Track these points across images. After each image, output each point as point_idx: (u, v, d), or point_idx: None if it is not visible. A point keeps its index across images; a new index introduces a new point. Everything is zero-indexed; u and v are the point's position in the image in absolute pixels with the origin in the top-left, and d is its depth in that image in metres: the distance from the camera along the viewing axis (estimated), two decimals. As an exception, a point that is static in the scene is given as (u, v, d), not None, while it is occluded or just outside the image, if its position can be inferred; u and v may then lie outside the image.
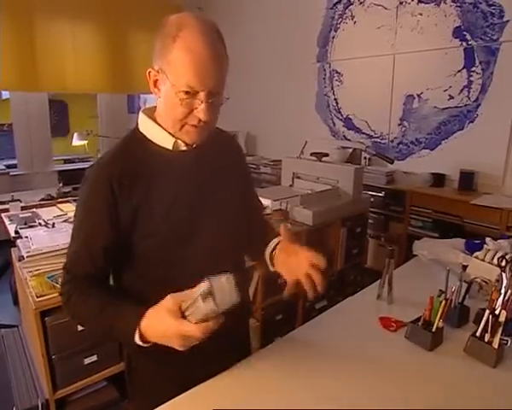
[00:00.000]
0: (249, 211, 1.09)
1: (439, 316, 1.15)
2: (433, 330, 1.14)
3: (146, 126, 0.92)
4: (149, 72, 0.86)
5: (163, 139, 0.90)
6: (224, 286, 0.72)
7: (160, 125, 0.90)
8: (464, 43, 2.78)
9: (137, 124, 0.94)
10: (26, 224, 2.17)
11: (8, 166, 4.42)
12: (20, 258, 1.67)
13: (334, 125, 3.74)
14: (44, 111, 4.45)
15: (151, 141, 0.91)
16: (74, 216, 0.92)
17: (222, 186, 0.97)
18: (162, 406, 0.89)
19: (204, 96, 0.81)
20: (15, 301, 2.89)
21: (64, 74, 4.10)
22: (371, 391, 0.97)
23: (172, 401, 0.90)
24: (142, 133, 0.92)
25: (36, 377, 1.65)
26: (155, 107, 0.92)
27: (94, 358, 1.56)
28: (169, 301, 0.76)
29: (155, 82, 0.86)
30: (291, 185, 2.62)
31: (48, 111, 4.49)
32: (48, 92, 4.47)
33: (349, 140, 3.57)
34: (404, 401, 0.95)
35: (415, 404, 0.94)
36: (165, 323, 0.75)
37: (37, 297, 1.45)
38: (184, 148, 0.91)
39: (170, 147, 0.90)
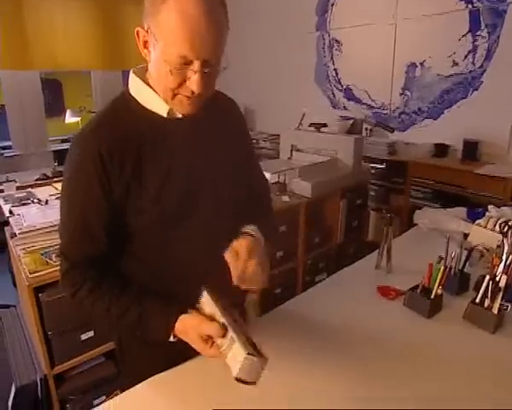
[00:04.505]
0: (249, 183, 1.02)
1: (437, 283, 1.13)
2: (432, 297, 1.13)
3: (137, 89, 0.84)
4: (138, 31, 0.77)
5: (156, 105, 0.83)
6: (252, 366, 0.70)
7: (152, 88, 0.82)
8: (470, 6, 2.69)
9: (128, 86, 0.86)
10: (20, 202, 2.15)
11: (3, 148, 4.38)
12: (13, 235, 1.66)
13: (334, 96, 3.66)
14: (37, 90, 4.37)
15: (143, 106, 0.84)
16: (62, 192, 0.85)
17: (220, 158, 0.91)
18: (151, 378, 0.89)
19: (198, 65, 0.73)
20: (14, 282, 2.90)
21: (55, 51, 4.01)
22: (369, 360, 0.96)
23: (162, 374, 0.90)
24: (133, 97, 0.84)
25: (34, 353, 1.67)
26: (148, 66, 0.82)
27: (91, 333, 1.57)
28: (207, 329, 0.77)
29: (145, 43, 0.78)
30: (289, 158, 2.58)
31: (40, 90, 4.41)
32: (40, 71, 4.38)
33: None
34: (402, 368, 0.94)
35: (413, 371, 0.93)
36: (195, 344, 0.79)
37: (31, 274, 1.44)
38: (180, 115, 0.84)
39: (164, 114, 0.83)
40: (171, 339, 0.83)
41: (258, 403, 0.82)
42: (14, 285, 2.90)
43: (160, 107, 0.83)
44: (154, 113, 0.83)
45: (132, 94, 0.85)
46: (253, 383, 0.70)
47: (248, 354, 0.68)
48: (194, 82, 0.74)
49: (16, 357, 1.68)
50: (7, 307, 2.16)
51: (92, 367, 1.65)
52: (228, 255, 0.81)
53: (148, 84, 0.83)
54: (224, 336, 0.74)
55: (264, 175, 1.13)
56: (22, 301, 1.92)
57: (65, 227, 0.86)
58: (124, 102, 0.85)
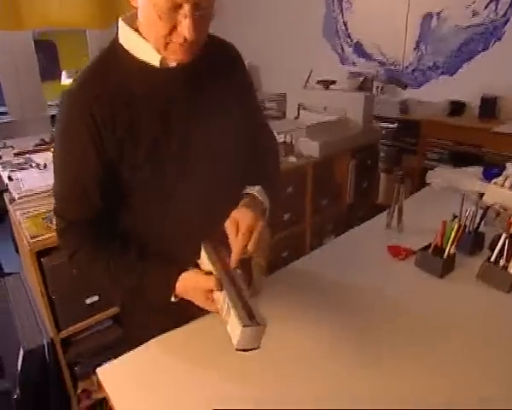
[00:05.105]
0: (253, 137, 0.98)
1: (451, 241, 1.12)
2: (445, 256, 1.12)
3: (127, 38, 0.81)
4: None
5: (148, 54, 0.79)
6: (251, 335, 0.70)
7: (143, 36, 0.79)
8: None
9: (117, 35, 0.83)
10: (18, 168, 2.15)
11: (-2, 114, 4.35)
12: (12, 200, 1.67)
13: (344, 51, 3.54)
14: (31, 53, 4.29)
15: (134, 56, 0.80)
16: (54, 153, 0.85)
17: (219, 109, 0.88)
18: (155, 338, 0.91)
19: (188, 9, 0.69)
20: (18, 250, 2.94)
21: (47, 9, 3.88)
22: (378, 321, 0.97)
23: (166, 334, 0.92)
24: (122, 46, 0.81)
25: (40, 319, 1.70)
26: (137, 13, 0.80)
27: (95, 298, 1.59)
28: (205, 283, 0.77)
29: None
30: (296, 117, 2.53)
31: (34, 53, 4.32)
32: (33, 32, 4.27)
33: (360, 69, 3.40)
34: (413, 329, 0.94)
35: (425, 332, 0.93)
36: (196, 300, 0.81)
37: (32, 238, 1.45)
38: (174, 64, 0.81)
39: (156, 63, 0.80)
40: (173, 299, 0.83)
41: (261, 364, 0.84)
42: (18, 253, 2.95)
43: (151, 56, 0.79)
44: (145, 63, 0.80)
45: (122, 43, 0.81)
46: (256, 348, 0.71)
47: (244, 325, 0.68)
48: (185, 27, 0.71)
49: (22, 322, 1.72)
50: (11, 274, 2.21)
51: (100, 331, 1.69)
52: (228, 226, 0.79)
53: (139, 32, 0.79)
54: (221, 289, 0.74)
55: (270, 130, 1.09)
56: (25, 267, 1.95)
57: (59, 189, 0.85)
58: (113, 53, 0.82)
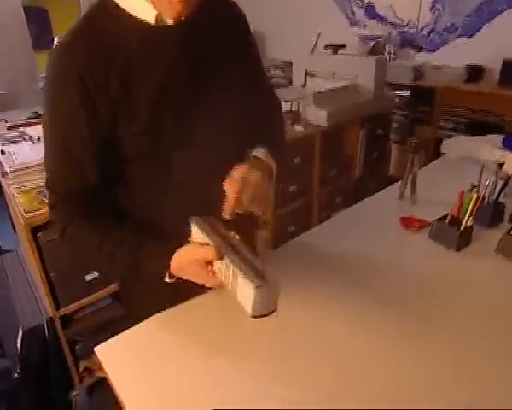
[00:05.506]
0: (256, 99, 0.95)
1: (468, 213, 1.09)
2: (462, 228, 1.09)
3: None
4: None
5: (142, 10, 0.75)
6: (265, 298, 0.66)
7: None
8: None
9: None
10: (11, 141, 2.14)
11: (-10, 87, 4.31)
12: (4, 174, 1.66)
13: (354, 14, 3.43)
14: (21, 21, 4.21)
15: (127, 12, 0.76)
16: (43, 121, 0.81)
17: (221, 71, 0.84)
18: (155, 315, 0.91)
19: None
20: (15, 228, 2.95)
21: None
22: (389, 295, 0.95)
23: (166, 311, 0.91)
24: (114, 2, 0.76)
25: (38, 296, 1.71)
26: None
27: (95, 274, 1.59)
28: (202, 254, 0.74)
29: None
30: (303, 85, 2.47)
31: (25, 21, 4.24)
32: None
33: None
34: (427, 303, 0.93)
35: (440, 306, 0.91)
36: (195, 276, 0.77)
37: (27, 213, 1.44)
38: (171, 22, 0.77)
39: (152, 20, 0.75)
40: (168, 280, 0.81)
41: (267, 339, 0.83)
42: (15, 231, 2.96)
43: (146, 12, 0.75)
44: (139, 21, 0.76)
45: None
46: (272, 312, 0.68)
47: (257, 287, 0.64)
48: None
49: (21, 301, 1.73)
50: (8, 251, 2.22)
51: (100, 308, 1.71)
52: (226, 185, 0.77)
53: None
54: (221, 258, 0.71)
55: (276, 95, 1.06)
56: (22, 244, 1.95)
57: (49, 161, 0.83)
58: (104, 10, 0.77)
